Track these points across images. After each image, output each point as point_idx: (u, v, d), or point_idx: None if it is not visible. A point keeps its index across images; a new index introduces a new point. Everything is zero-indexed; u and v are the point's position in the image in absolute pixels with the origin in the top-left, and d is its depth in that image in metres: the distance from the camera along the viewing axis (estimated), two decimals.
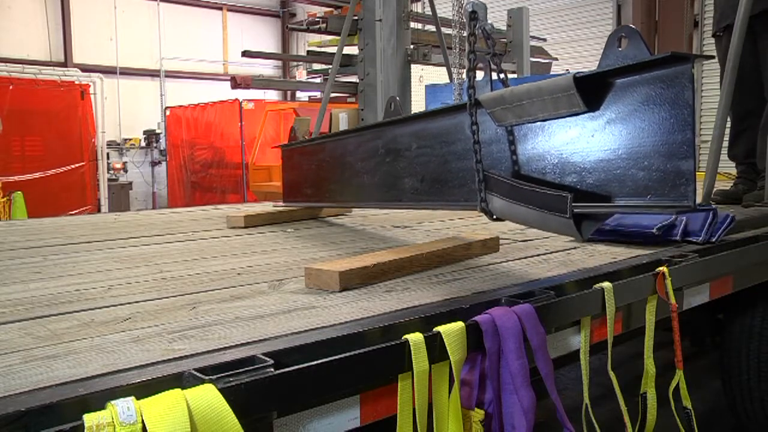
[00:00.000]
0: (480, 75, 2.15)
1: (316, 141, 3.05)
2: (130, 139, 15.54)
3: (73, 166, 11.27)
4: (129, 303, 1.56)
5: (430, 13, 6.43)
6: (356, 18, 6.03)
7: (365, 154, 2.41)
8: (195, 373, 1.02)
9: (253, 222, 3.04)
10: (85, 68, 13.39)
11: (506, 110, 1.63)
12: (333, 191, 2.77)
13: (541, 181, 1.60)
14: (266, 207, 3.65)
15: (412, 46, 6.29)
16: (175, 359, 1.12)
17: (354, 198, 2.56)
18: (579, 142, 1.51)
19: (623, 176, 1.42)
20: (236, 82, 6.97)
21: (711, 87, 9.00)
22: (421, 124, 2.10)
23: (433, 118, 2.05)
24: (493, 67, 1.81)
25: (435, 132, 2.02)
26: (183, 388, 0.95)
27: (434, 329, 1.28)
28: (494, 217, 1.71)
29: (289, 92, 18.22)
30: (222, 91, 14.57)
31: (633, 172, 1.39)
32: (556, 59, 10.18)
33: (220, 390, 0.95)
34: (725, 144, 3.78)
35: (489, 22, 1.79)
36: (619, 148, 1.42)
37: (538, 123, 1.60)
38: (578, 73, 1.44)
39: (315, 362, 1.10)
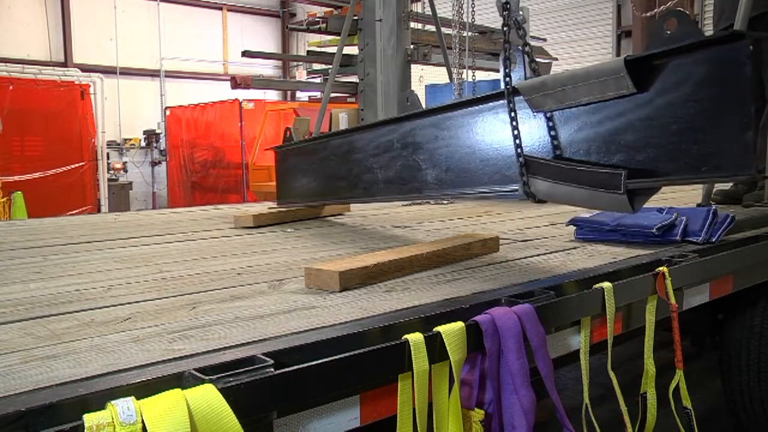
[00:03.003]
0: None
1: (316, 140, 3.04)
2: (130, 139, 15.53)
3: (73, 166, 11.27)
4: (129, 303, 1.56)
5: (430, 13, 6.43)
6: (356, 18, 6.02)
7: (378, 149, 2.42)
8: (195, 373, 1.02)
9: (261, 221, 3.03)
10: (85, 68, 13.39)
11: (546, 96, 1.69)
12: (338, 188, 2.76)
13: (585, 162, 1.64)
14: (266, 207, 3.65)
15: (412, 46, 6.28)
16: (175, 359, 1.12)
17: (364, 194, 2.57)
18: (626, 122, 1.56)
19: (676, 151, 1.47)
20: (236, 82, 6.97)
21: None
22: (445, 115, 2.11)
23: (458, 109, 2.07)
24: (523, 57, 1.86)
25: (461, 122, 2.04)
26: (183, 388, 0.95)
27: (434, 329, 1.28)
28: (537, 199, 1.77)
29: (289, 92, 18.22)
30: (222, 91, 14.57)
31: (687, 147, 1.44)
32: (556, 59, 10.18)
33: (220, 390, 0.95)
34: None
35: (521, 12, 1.84)
36: (672, 124, 1.47)
37: (580, 107, 1.65)
38: (629, 56, 1.50)
39: (315, 362, 1.10)
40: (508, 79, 1.79)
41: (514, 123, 1.77)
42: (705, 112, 1.41)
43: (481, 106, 1.97)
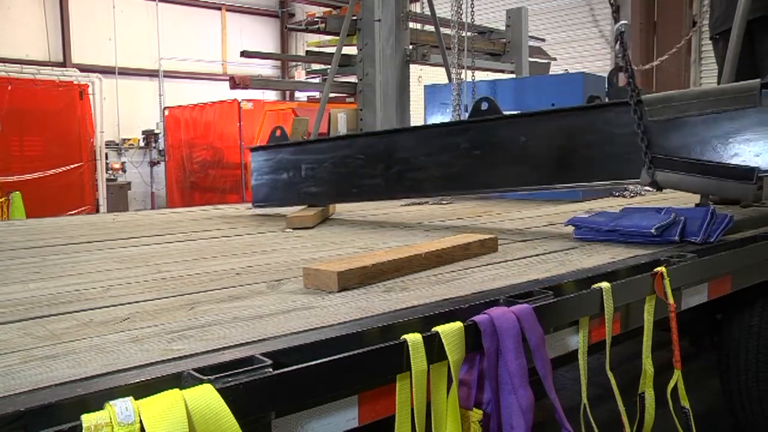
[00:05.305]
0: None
1: (333, 139, 3.05)
2: (128, 139, 15.52)
3: (71, 166, 11.26)
4: (128, 303, 1.56)
5: (429, 13, 6.42)
6: (355, 18, 6.02)
7: (435, 148, 2.72)
8: (193, 373, 1.02)
9: (316, 220, 3.07)
10: (84, 68, 13.38)
11: (666, 107, 2.21)
12: (371, 186, 2.85)
13: (702, 157, 2.21)
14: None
15: (411, 46, 6.29)
16: (173, 359, 1.12)
17: (409, 189, 2.80)
18: (745, 127, 2.09)
19: None
20: (235, 82, 6.95)
21: None
22: (529, 120, 2.59)
23: (547, 116, 2.58)
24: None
25: (556, 126, 2.54)
26: (181, 388, 0.95)
27: (433, 329, 1.28)
28: (659, 187, 2.34)
29: (287, 92, 18.22)
30: (221, 91, 14.54)
31: None
32: (555, 59, 10.18)
33: (219, 390, 0.96)
34: None
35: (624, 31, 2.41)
36: None
37: (701, 116, 2.16)
38: (763, 80, 2.06)
39: (313, 362, 1.10)
40: (634, 93, 2.28)
41: (642, 128, 2.27)
42: None
43: (574, 115, 2.50)
